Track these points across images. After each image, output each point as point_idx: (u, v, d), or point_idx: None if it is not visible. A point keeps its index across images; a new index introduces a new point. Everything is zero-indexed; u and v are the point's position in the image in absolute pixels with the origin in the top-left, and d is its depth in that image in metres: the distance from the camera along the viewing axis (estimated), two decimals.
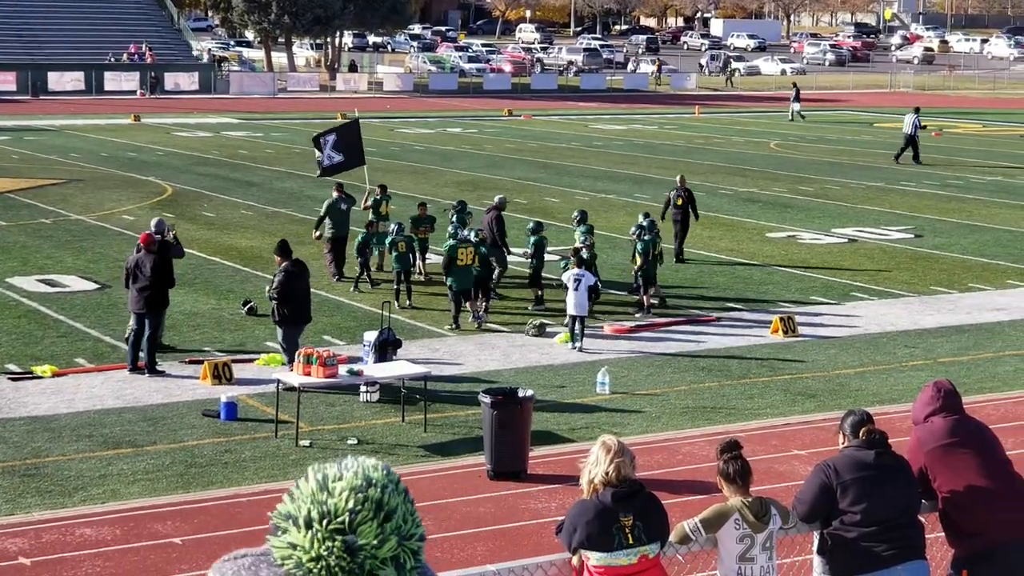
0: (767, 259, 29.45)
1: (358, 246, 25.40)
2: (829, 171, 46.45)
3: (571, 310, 21.24)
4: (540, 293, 23.85)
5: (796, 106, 69.71)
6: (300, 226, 32.98)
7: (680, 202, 29.49)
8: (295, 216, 34.59)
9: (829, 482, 7.96)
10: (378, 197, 28.18)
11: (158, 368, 19.51)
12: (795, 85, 73.14)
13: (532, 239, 24.29)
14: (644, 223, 24.52)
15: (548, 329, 22.35)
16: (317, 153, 27.84)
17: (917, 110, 49.92)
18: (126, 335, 19.83)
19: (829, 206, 37.99)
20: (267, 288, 19.60)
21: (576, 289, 21.12)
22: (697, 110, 74.10)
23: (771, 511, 7.87)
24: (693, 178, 43.69)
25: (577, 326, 21.15)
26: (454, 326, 22.29)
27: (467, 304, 22.64)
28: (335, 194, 26.43)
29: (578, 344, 21.15)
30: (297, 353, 16.97)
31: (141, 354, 19.39)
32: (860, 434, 8.12)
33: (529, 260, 24.19)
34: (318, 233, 26.61)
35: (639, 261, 23.73)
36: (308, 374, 16.60)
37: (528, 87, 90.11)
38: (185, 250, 23.28)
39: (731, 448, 7.96)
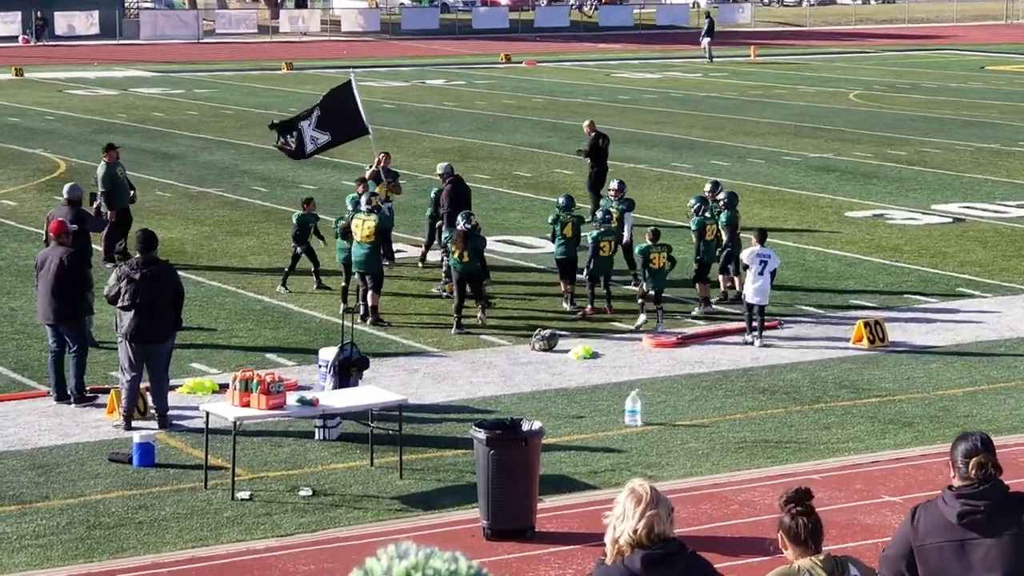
0: (847, 245, 29.46)
1: (295, 233, 25.51)
2: (927, 129, 46.44)
3: (750, 297, 22.18)
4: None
5: (705, 41, 70.12)
6: (235, 210, 33.04)
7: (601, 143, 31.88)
8: (228, 197, 34.61)
9: (908, 538, 8.02)
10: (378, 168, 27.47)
11: (88, 395, 19.69)
12: (708, 16, 73.67)
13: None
14: (716, 196, 25.21)
15: (560, 341, 22.38)
16: (281, 139, 27.56)
17: None
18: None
19: (927, 175, 37.97)
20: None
21: (761, 272, 22.15)
22: (753, 51, 74.10)
23: (850, 570, 7.88)
24: (750, 140, 43.91)
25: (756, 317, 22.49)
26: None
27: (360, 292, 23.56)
28: (105, 157, 27.36)
29: (757, 340, 22.33)
30: (233, 378, 17.00)
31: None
32: (970, 470, 8.11)
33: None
34: (97, 204, 27.04)
35: (694, 241, 24.49)
36: (247, 405, 16.60)
37: (531, 25, 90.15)
38: (91, 246, 23.37)
39: (799, 499, 7.95)
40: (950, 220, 32.21)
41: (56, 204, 25.71)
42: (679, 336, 22.88)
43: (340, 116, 27.62)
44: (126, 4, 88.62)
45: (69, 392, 19.67)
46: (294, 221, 25.75)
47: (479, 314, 23.32)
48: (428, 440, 18.35)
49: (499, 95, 56.66)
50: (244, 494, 16.52)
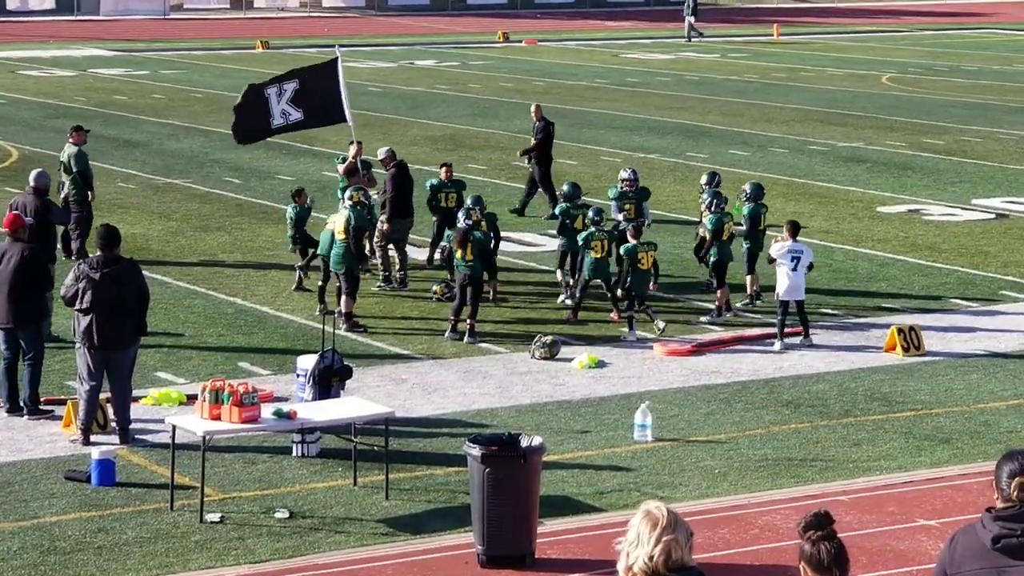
0: (879, 244, 29.47)
1: (293, 231, 25.66)
2: (967, 116, 46.45)
3: (784, 294, 22.57)
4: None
5: (691, 20, 70.17)
6: (205, 203, 33.04)
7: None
8: (197, 189, 34.59)
9: (944, 565, 8.07)
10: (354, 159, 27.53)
11: (42, 406, 19.66)
12: None
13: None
14: (748, 190, 25.32)
15: (563, 349, 22.38)
16: (242, 97, 27.50)
17: None
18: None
19: (967, 167, 37.98)
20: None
21: (795, 268, 22.54)
22: (776, 30, 74.07)
23: None
24: (772, 128, 43.91)
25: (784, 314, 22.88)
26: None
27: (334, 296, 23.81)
28: (73, 138, 27.74)
29: (778, 343, 22.75)
30: (202, 388, 16.99)
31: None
32: (1012, 491, 8.15)
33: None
34: (64, 195, 27.30)
35: (707, 239, 24.66)
36: (217, 418, 16.60)
37: (531, 0, 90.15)
38: (56, 242, 23.41)
39: (820, 524, 7.94)
40: (992, 216, 32.22)
41: (9, 196, 25.75)
42: (694, 343, 22.89)
43: (319, 97, 27.45)
44: None
45: (22, 403, 19.66)
46: (290, 215, 25.83)
47: (467, 336, 23.11)
48: (417, 457, 18.32)
49: (496, 77, 56.64)
50: (214, 516, 16.50)
